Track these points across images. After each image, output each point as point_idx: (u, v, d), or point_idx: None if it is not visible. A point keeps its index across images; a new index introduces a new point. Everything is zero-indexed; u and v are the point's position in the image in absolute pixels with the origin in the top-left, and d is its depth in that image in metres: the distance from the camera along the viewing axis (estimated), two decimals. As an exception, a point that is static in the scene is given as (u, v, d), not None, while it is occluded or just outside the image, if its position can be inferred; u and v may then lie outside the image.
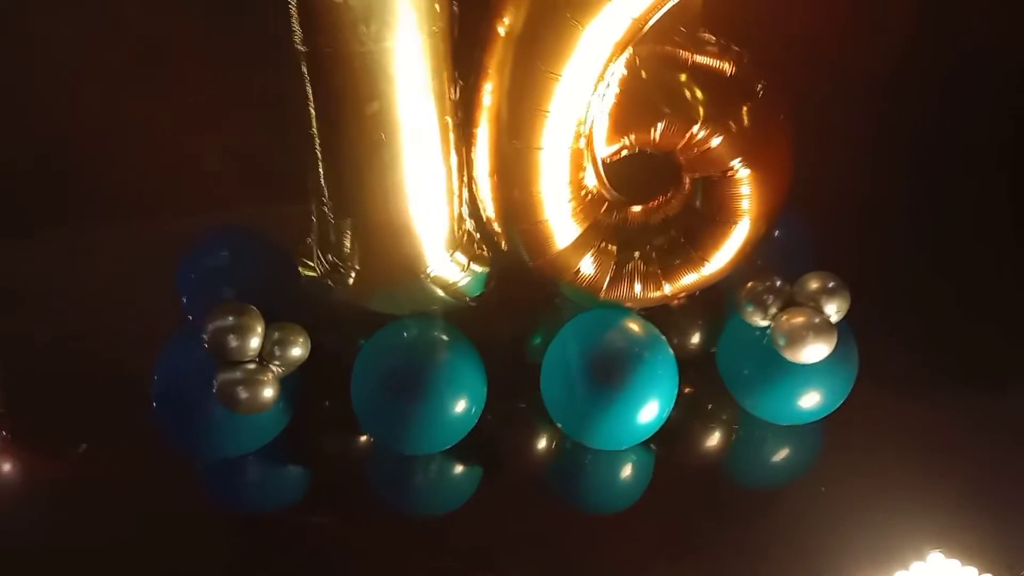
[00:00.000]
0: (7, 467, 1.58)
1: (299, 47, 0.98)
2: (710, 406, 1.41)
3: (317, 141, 1.07)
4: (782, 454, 1.41)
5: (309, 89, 1.01)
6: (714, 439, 1.41)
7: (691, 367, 1.37)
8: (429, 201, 1.15)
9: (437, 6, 0.99)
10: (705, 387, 1.41)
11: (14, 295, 1.72)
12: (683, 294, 1.30)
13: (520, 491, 1.42)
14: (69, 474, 1.56)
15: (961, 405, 1.46)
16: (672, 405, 1.30)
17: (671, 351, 1.30)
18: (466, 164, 1.18)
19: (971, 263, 1.71)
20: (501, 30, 1.04)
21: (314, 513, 1.42)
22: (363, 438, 1.38)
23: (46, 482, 1.57)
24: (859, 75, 1.57)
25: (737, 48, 1.16)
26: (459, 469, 1.39)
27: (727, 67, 1.14)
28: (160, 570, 1.36)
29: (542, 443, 1.38)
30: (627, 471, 1.41)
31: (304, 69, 0.99)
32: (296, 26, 0.96)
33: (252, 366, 1.17)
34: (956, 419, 1.43)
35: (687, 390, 1.37)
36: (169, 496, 1.47)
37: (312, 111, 1.04)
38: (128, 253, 1.72)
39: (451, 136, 1.12)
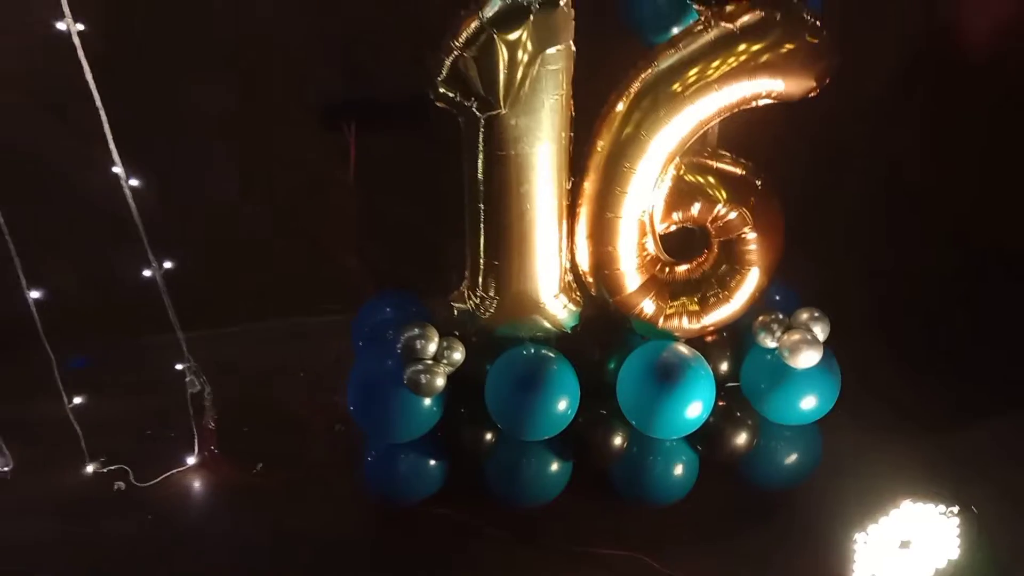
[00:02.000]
0: (214, 475, 2.11)
1: (480, 149, 1.64)
2: (738, 414, 1.93)
3: (483, 211, 1.70)
4: (791, 444, 1.93)
5: (483, 175, 1.66)
6: (741, 439, 1.93)
7: (720, 388, 1.92)
8: (548, 256, 1.77)
9: (563, 132, 1.66)
10: (732, 403, 1.95)
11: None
12: (713, 328, 1.89)
13: (601, 479, 1.94)
14: (259, 481, 2.09)
15: (919, 392, 2.05)
16: (712, 406, 1.84)
17: (710, 367, 1.86)
18: (570, 231, 1.80)
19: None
20: (599, 144, 1.70)
21: (449, 499, 1.94)
22: (488, 436, 1.89)
23: (240, 486, 2.09)
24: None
25: (743, 159, 1.82)
26: (556, 462, 1.91)
27: (738, 170, 1.80)
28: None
29: (617, 439, 1.90)
30: (679, 468, 1.93)
31: (482, 164, 1.65)
32: (482, 138, 1.62)
33: (430, 362, 1.74)
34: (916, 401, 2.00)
35: (720, 403, 1.91)
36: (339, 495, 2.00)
37: (482, 190, 1.68)
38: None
39: (564, 211, 1.76)
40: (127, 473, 2.11)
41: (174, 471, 2.12)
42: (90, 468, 2.13)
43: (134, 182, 1.85)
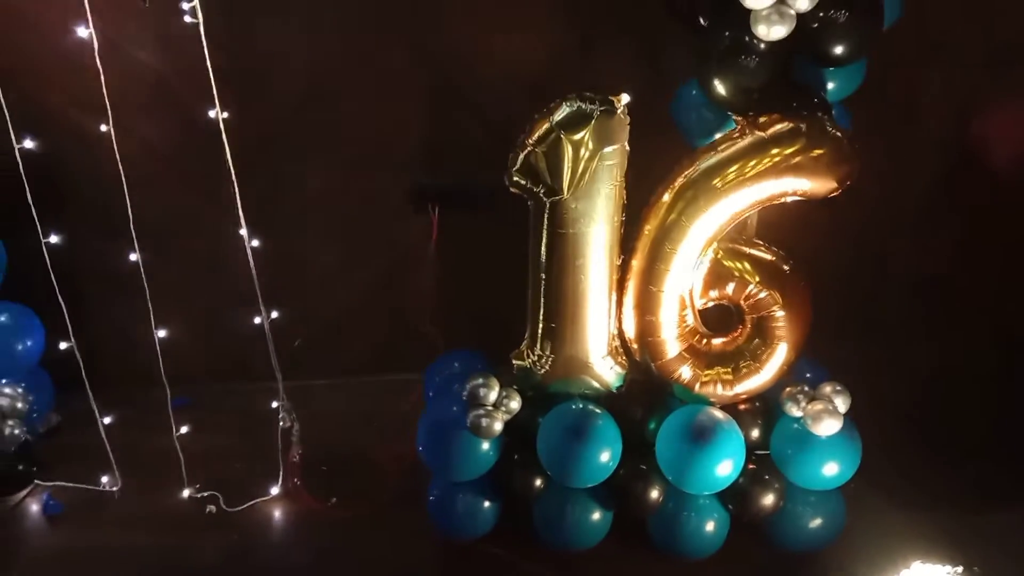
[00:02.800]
0: (294, 504, 2.38)
1: (544, 228, 1.94)
2: (766, 476, 2.12)
3: (544, 281, 1.99)
4: (815, 508, 2.11)
5: (545, 250, 1.96)
6: (769, 500, 2.11)
7: (751, 454, 2.12)
8: (598, 322, 2.04)
9: (616, 216, 1.96)
10: (762, 467, 2.14)
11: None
12: (745, 396, 2.10)
13: (639, 530, 2.14)
14: (333, 513, 2.35)
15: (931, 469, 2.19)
16: (742, 466, 2.04)
17: (741, 431, 2.07)
18: (619, 302, 2.07)
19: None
20: (647, 228, 1.99)
21: (502, 538, 2.16)
22: (538, 482, 2.12)
23: (316, 515, 2.36)
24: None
25: (774, 247, 2.08)
26: (599, 510, 2.12)
27: (769, 256, 2.05)
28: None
29: (654, 493, 2.10)
30: (711, 524, 2.11)
31: (545, 241, 1.95)
32: (546, 219, 1.93)
33: (490, 408, 2.01)
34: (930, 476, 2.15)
35: (751, 466, 2.11)
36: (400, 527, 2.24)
37: (544, 263, 1.97)
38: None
39: (614, 284, 2.03)
40: (218, 499, 2.39)
41: (260, 499, 2.39)
42: (186, 493, 2.41)
43: (255, 243, 2.21)
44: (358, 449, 2.53)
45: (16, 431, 2.12)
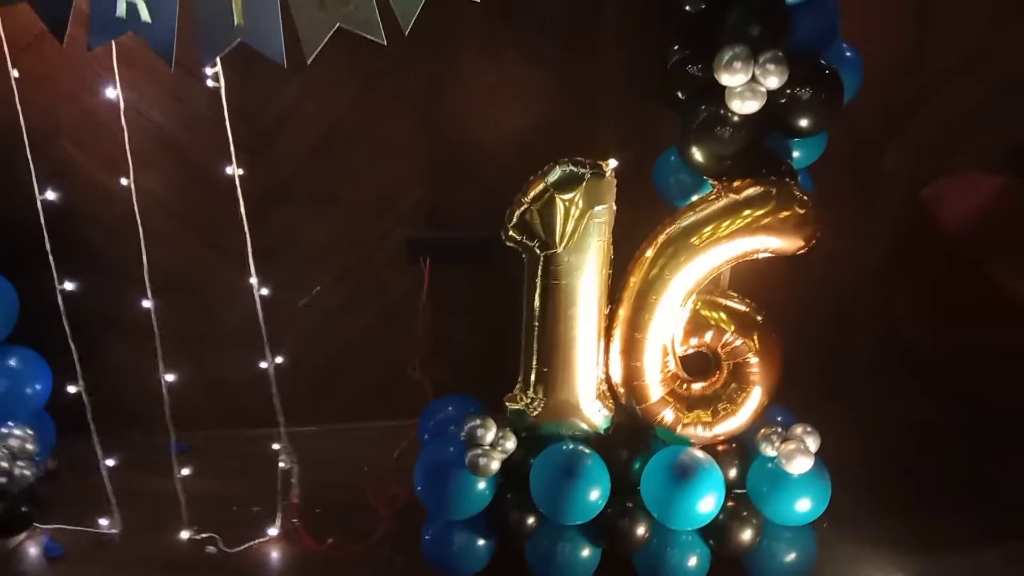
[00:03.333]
0: (292, 545, 2.46)
1: (537, 279, 2.10)
2: (744, 513, 2.26)
3: (536, 328, 2.15)
4: (790, 543, 2.25)
5: (539, 300, 2.12)
6: (747, 535, 2.24)
7: (729, 492, 2.26)
8: (588, 367, 2.19)
9: (604, 269, 2.13)
10: (740, 503, 2.28)
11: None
12: (724, 437, 2.26)
13: (626, 565, 2.26)
14: (331, 552, 2.43)
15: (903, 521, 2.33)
16: (722, 503, 2.18)
17: (720, 470, 2.22)
18: (606, 348, 2.22)
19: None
20: (632, 280, 2.15)
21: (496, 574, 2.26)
22: (530, 519, 2.24)
23: (314, 556, 2.44)
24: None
25: (748, 299, 2.25)
26: (588, 547, 2.24)
27: (743, 307, 2.23)
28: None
29: (640, 529, 2.23)
30: (693, 558, 2.24)
31: (539, 291, 2.11)
32: (540, 271, 2.09)
33: (488, 448, 2.13)
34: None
35: (730, 503, 2.25)
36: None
37: (538, 311, 2.13)
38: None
39: (602, 332, 2.19)
40: (217, 540, 2.47)
41: (259, 540, 2.47)
42: (186, 534, 2.49)
43: (264, 291, 2.34)
44: (353, 492, 2.62)
45: (26, 472, 2.19)
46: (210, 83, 2.09)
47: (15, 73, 2.05)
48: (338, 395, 2.98)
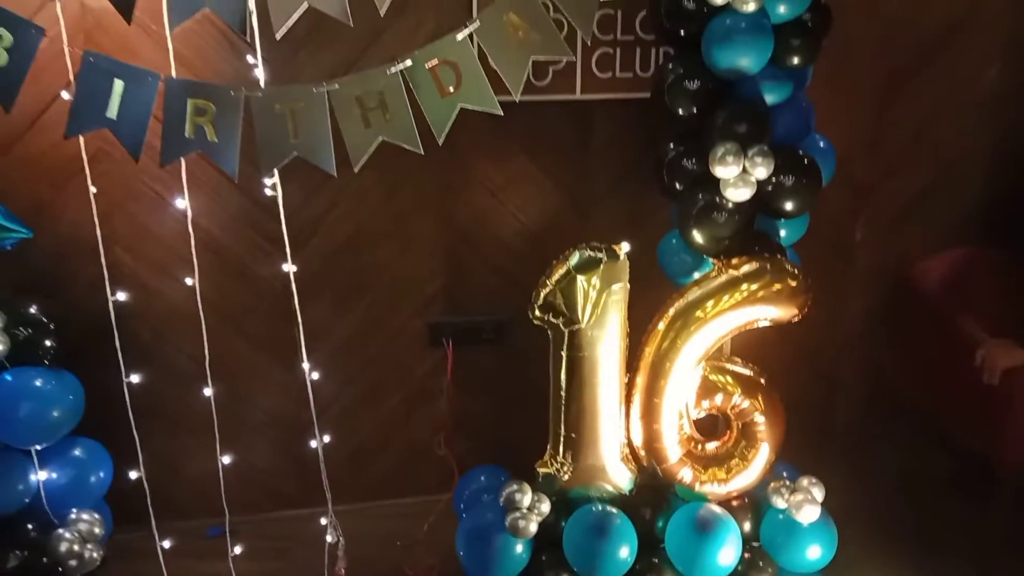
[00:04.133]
0: None
1: (563, 352, 2.34)
2: (760, 563, 2.45)
3: (563, 398, 2.37)
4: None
5: (565, 371, 2.35)
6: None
7: (746, 545, 2.46)
8: (611, 432, 2.40)
9: (622, 341, 2.37)
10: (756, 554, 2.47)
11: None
12: (737, 493, 2.46)
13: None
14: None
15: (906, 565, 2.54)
16: (740, 555, 2.37)
17: (736, 523, 2.41)
18: (627, 414, 2.45)
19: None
20: (647, 351, 2.40)
21: None
22: (564, 579, 2.41)
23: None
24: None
25: (751, 364, 2.50)
26: (619, 602, 2.41)
27: (747, 371, 2.48)
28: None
29: (667, 582, 2.41)
30: (717, 610, 2.42)
31: (565, 363, 2.34)
32: (565, 345, 2.33)
33: (525, 511, 2.32)
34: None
35: (746, 555, 2.44)
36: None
37: (564, 381, 2.36)
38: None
39: (623, 398, 2.42)
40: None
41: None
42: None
43: (315, 375, 2.55)
44: (388, 565, 2.76)
45: (94, 555, 2.33)
46: (268, 191, 2.35)
47: (94, 190, 2.29)
48: (367, 474, 3.14)
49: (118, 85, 2.15)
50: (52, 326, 2.38)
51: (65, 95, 2.28)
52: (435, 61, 2.25)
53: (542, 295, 2.35)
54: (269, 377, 2.98)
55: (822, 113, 2.66)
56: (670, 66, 2.44)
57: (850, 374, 3.38)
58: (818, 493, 2.40)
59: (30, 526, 2.37)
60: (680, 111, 2.42)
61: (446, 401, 3.02)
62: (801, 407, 3.05)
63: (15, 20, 2.12)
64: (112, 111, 2.16)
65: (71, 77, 2.19)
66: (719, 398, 2.46)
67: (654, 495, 2.49)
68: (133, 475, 2.49)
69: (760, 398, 2.44)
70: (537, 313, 2.36)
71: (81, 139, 2.27)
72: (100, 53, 2.16)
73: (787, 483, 2.43)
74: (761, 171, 2.27)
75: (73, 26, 2.45)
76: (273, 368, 2.95)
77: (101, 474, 2.48)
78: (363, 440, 3.13)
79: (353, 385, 3.05)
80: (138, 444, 2.47)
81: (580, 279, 2.32)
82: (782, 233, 2.52)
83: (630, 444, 2.49)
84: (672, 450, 2.43)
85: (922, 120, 3.19)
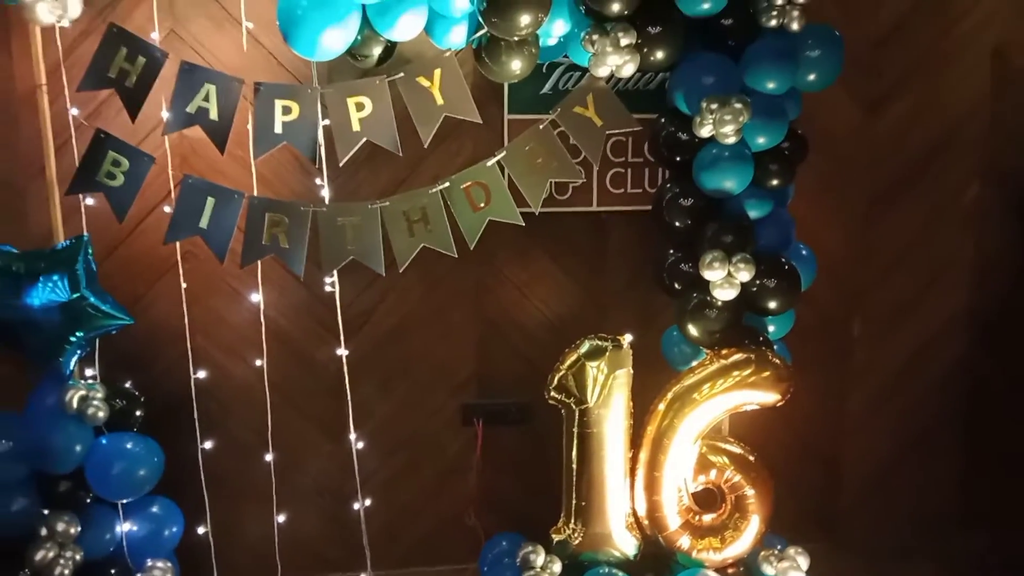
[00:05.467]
0: None
1: (575, 429, 2.70)
2: (753, 625, 2.71)
3: (575, 470, 2.71)
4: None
5: (576, 446, 2.70)
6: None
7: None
8: (617, 501, 2.73)
9: (627, 420, 2.73)
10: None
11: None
12: (732, 560, 2.75)
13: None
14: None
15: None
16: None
17: (732, 588, 2.70)
18: (631, 485, 2.77)
19: None
20: (648, 429, 2.74)
21: None
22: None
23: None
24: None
25: (742, 443, 2.82)
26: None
27: (739, 449, 2.80)
28: None
29: (668, 641, 2.68)
30: (714, 669, 2.67)
31: (576, 439, 2.70)
32: (576, 422, 2.69)
33: (539, 570, 2.63)
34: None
35: (740, 618, 2.71)
36: None
37: (575, 455, 2.70)
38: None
39: (627, 471, 2.75)
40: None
41: None
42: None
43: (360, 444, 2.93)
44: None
45: (169, 606, 2.69)
46: (327, 287, 2.80)
47: (184, 285, 2.77)
48: (402, 542, 3.45)
49: (210, 202, 2.65)
50: (142, 398, 2.80)
51: (166, 208, 2.79)
52: (469, 183, 2.72)
53: (556, 378, 2.73)
54: (319, 449, 3.36)
55: (817, 224, 3.07)
56: (668, 185, 2.88)
57: (852, 464, 3.64)
58: (803, 562, 2.67)
59: (112, 571, 2.74)
60: (676, 223, 2.84)
61: (475, 476, 3.35)
62: (801, 489, 3.36)
63: (131, 150, 2.66)
64: (204, 222, 2.66)
65: (172, 194, 2.71)
66: (714, 473, 2.78)
67: (656, 562, 2.79)
68: (200, 530, 2.86)
69: (751, 474, 2.75)
70: (552, 394, 2.74)
71: (177, 244, 2.77)
72: (196, 176, 2.67)
73: (776, 552, 2.71)
74: (744, 275, 2.66)
75: (173, 151, 2.97)
76: (322, 441, 3.34)
77: (174, 529, 2.85)
78: (400, 509, 3.45)
79: (393, 458, 3.41)
80: (207, 504, 2.86)
81: (589, 365, 2.70)
82: (771, 329, 2.88)
83: (634, 513, 2.80)
84: (672, 519, 2.73)
85: (910, 233, 3.53)
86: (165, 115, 2.63)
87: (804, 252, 2.96)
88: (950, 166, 3.52)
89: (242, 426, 3.22)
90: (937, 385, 3.63)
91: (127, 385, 2.85)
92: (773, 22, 2.63)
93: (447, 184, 2.73)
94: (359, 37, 2.54)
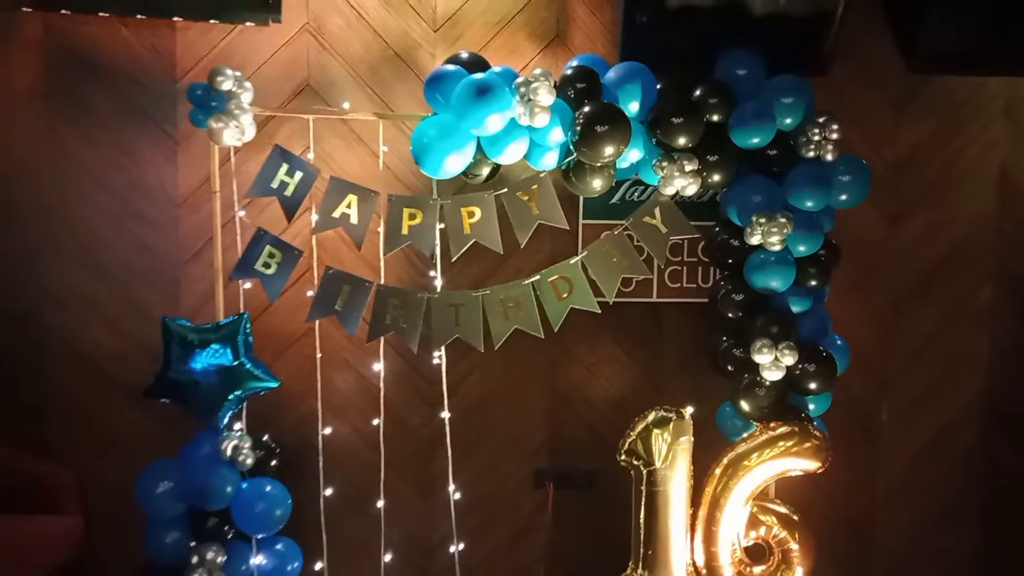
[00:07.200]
0: None
1: (643, 488, 3.17)
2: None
3: (642, 522, 3.17)
4: None
5: (644, 503, 3.16)
6: None
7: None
8: (679, 552, 3.17)
9: (688, 481, 3.20)
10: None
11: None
12: (779, 607, 3.17)
13: None
14: None
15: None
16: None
17: (777, 631, 3.10)
18: (691, 538, 3.22)
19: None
20: (707, 490, 3.21)
21: None
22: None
23: None
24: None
25: (787, 504, 3.27)
26: None
27: (785, 509, 3.25)
28: None
29: None
30: None
31: (644, 497, 3.17)
32: (644, 482, 3.17)
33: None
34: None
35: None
36: None
37: (643, 510, 3.17)
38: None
39: (689, 526, 3.20)
40: None
41: None
42: None
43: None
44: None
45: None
46: (435, 360, 3.35)
47: (319, 355, 3.32)
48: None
49: (345, 289, 3.23)
50: (278, 449, 3.33)
51: (309, 293, 3.37)
52: (555, 276, 3.28)
53: (627, 443, 3.22)
54: (410, 504, 3.81)
55: (849, 319, 3.57)
56: (722, 283, 3.43)
57: (882, 533, 4.03)
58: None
59: (244, 601, 3.21)
60: (729, 315, 3.38)
61: (546, 534, 3.80)
62: (835, 555, 3.77)
63: (284, 245, 3.26)
64: (340, 305, 3.23)
65: (315, 281, 3.29)
66: (763, 530, 3.23)
67: (713, 606, 3.21)
68: (318, 566, 3.34)
69: (795, 531, 3.20)
70: (623, 456, 3.23)
71: (317, 323, 3.34)
72: (337, 268, 3.26)
73: (814, 602, 3.14)
74: (789, 359, 3.17)
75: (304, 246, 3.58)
76: (413, 497, 3.80)
77: (295, 564, 3.33)
78: (478, 561, 3.88)
79: (473, 515, 3.85)
80: (324, 544, 3.34)
81: (655, 432, 3.20)
82: (811, 407, 3.36)
83: (694, 564, 3.24)
84: (726, 570, 3.18)
85: (929, 328, 3.97)
86: (314, 218, 3.24)
87: (839, 342, 3.47)
88: (963, 270, 3.97)
89: (345, 481, 3.69)
90: (957, 466, 4.02)
91: (265, 438, 3.37)
92: (811, 153, 3.22)
93: (537, 277, 3.29)
94: (473, 160, 3.15)
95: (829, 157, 3.21)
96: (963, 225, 3.97)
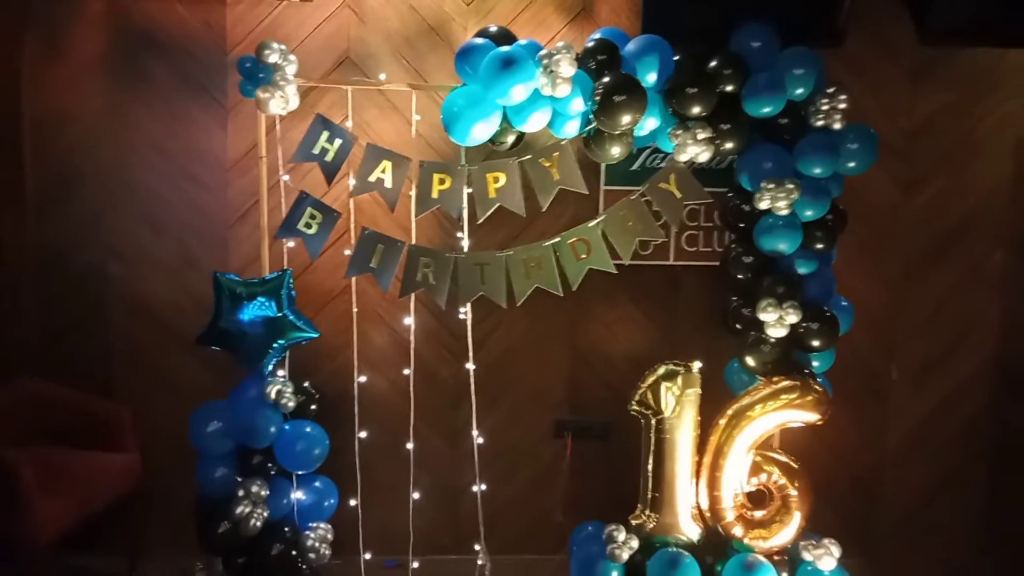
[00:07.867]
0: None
1: (652, 435, 3.40)
2: (794, 604, 3.33)
3: (651, 466, 3.41)
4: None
5: (653, 449, 3.40)
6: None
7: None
8: (685, 495, 3.41)
9: (695, 430, 3.43)
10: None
11: None
12: (778, 548, 3.39)
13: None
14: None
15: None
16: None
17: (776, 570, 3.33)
18: (696, 482, 3.45)
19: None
20: (712, 439, 3.43)
21: None
22: (647, 602, 3.35)
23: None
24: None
25: (787, 454, 3.49)
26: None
27: (786, 458, 3.46)
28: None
29: (723, 611, 3.31)
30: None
31: (653, 444, 3.40)
32: (653, 429, 3.41)
33: (620, 544, 3.33)
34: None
35: (784, 597, 3.33)
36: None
37: (652, 456, 3.41)
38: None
39: (694, 471, 3.43)
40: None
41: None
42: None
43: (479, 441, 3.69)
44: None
45: (326, 552, 3.46)
46: (460, 316, 3.61)
47: (356, 310, 3.60)
48: (499, 535, 4.09)
49: (380, 248, 3.49)
50: (317, 395, 3.63)
51: (347, 252, 3.64)
52: (574, 238, 3.50)
53: (638, 394, 3.46)
54: (438, 451, 4.10)
55: (859, 283, 3.73)
56: (732, 246, 3.62)
57: (889, 491, 4.20)
58: (835, 550, 3.30)
59: (286, 529, 3.53)
60: (739, 276, 3.57)
61: (564, 480, 4.06)
62: (841, 511, 3.96)
63: (324, 207, 3.53)
64: (374, 262, 3.49)
65: (352, 241, 3.56)
66: (764, 476, 3.44)
67: (715, 546, 3.44)
68: (352, 503, 3.65)
69: (794, 478, 3.41)
70: (635, 406, 3.47)
71: (354, 280, 3.62)
72: (372, 229, 3.52)
73: (813, 542, 3.35)
74: (792, 318, 3.36)
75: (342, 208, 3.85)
76: (441, 444, 4.09)
77: (331, 500, 3.64)
78: (500, 506, 4.15)
79: (496, 462, 4.13)
80: (359, 482, 3.65)
81: (664, 384, 3.42)
82: (815, 364, 3.55)
83: (698, 506, 3.48)
84: (729, 512, 3.40)
85: (941, 293, 4.11)
86: (351, 182, 3.50)
87: (844, 304, 3.64)
88: (977, 238, 4.09)
89: (378, 426, 3.97)
90: (966, 429, 4.17)
91: (306, 384, 3.67)
92: (820, 122, 3.38)
93: (557, 240, 3.51)
94: (499, 128, 3.37)
95: (837, 126, 3.36)
96: (978, 193, 4.07)
